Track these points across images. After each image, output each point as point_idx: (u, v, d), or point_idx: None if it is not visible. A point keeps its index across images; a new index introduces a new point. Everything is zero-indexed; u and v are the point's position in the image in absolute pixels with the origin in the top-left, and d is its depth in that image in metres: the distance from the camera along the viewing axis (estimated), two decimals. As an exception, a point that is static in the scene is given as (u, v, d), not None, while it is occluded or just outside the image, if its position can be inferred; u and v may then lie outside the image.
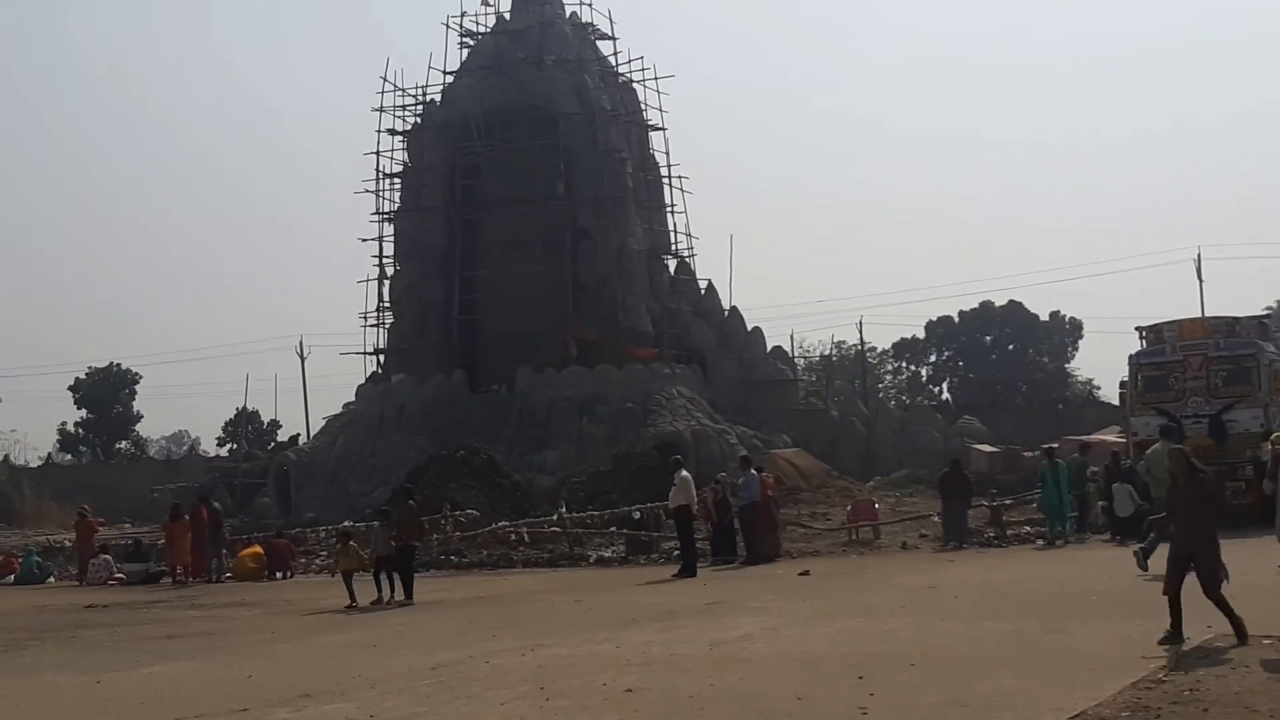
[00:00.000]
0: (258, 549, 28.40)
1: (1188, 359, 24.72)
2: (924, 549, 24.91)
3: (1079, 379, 79.79)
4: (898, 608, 15.03)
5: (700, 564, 23.09)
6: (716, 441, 42.46)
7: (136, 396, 77.67)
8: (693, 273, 52.66)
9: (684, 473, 23.50)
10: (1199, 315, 31.72)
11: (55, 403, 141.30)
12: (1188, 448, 13.77)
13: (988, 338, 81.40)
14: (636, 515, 27.69)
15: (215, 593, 24.81)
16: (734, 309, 51.88)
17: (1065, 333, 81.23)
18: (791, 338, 72.86)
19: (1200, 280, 63.73)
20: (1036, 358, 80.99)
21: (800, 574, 20.53)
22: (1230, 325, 25.61)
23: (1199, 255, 64.00)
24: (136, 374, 77.25)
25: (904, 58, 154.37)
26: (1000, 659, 11.04)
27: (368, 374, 50.58)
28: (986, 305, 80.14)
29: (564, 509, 28.76)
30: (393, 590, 20.09)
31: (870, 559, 23.73)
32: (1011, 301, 79.30)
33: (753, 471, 24.84)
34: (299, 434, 62.08)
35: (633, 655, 12.29)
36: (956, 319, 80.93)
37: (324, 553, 29.15)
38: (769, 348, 52.02)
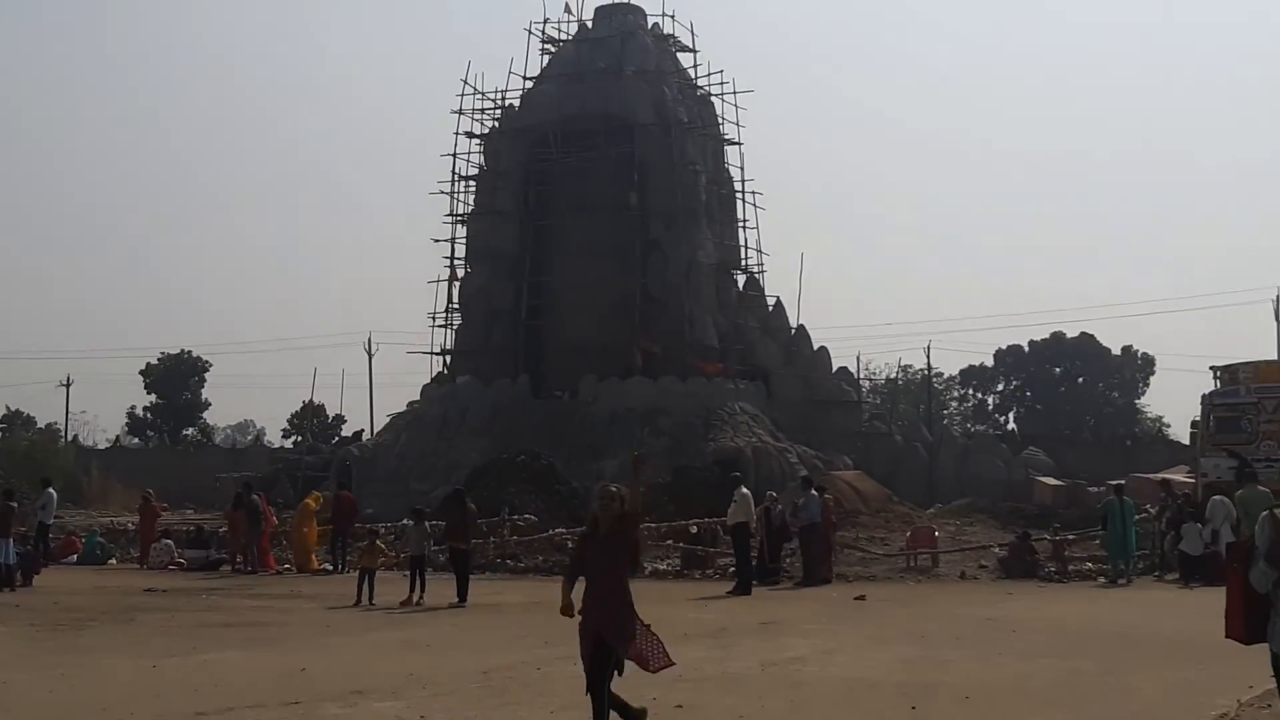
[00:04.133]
0: (317, 495, 28.91)
1: (1262, 401, 24.39)
2: (983, 579, 24.64)
3: (1148, 416, 78.73)
4: (954, 638, 14.87)
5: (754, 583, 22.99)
6: (777, 460, 42.23)
7: (205, 384, 78.57)
8: (761, 289, 52.45)
9: (744, 490, 23.42)
10: (1276, 358, 31.18)
11: (126, 386, 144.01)
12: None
13: (1057, 369, 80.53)
14: (693, 530, 27.61)
15: (273, 583, 25.01)
16: (801, 327, 51.62)
17: (1137, 368, 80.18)
18: (858, 359, 72.32)
19: (1278, 321, 62.53)
20: (1106, 392, 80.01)
21: (856, 598, 20.40)
22: (1308, 370, 25.20)
23: (1278, 295, 62.83)
24: (207, 362, 78.09)
25: (983, 78, 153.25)
26: (1055, 698, 10.90)
27: (433, 374, 50.89)
28: (1058, 336, 79.28)
29: (621, 519, 28.69)
30: (422, 591, 20.20)
31: (927, 587, 23.50)
32: (1083, 333, 78.46)
33: (813, 492, 24.69)
34: (363, 430, 62.57)
35: (684, 671, 12.22)
36: (1026, 349, 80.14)
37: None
38: (834, 368, 51.68)
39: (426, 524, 22.48)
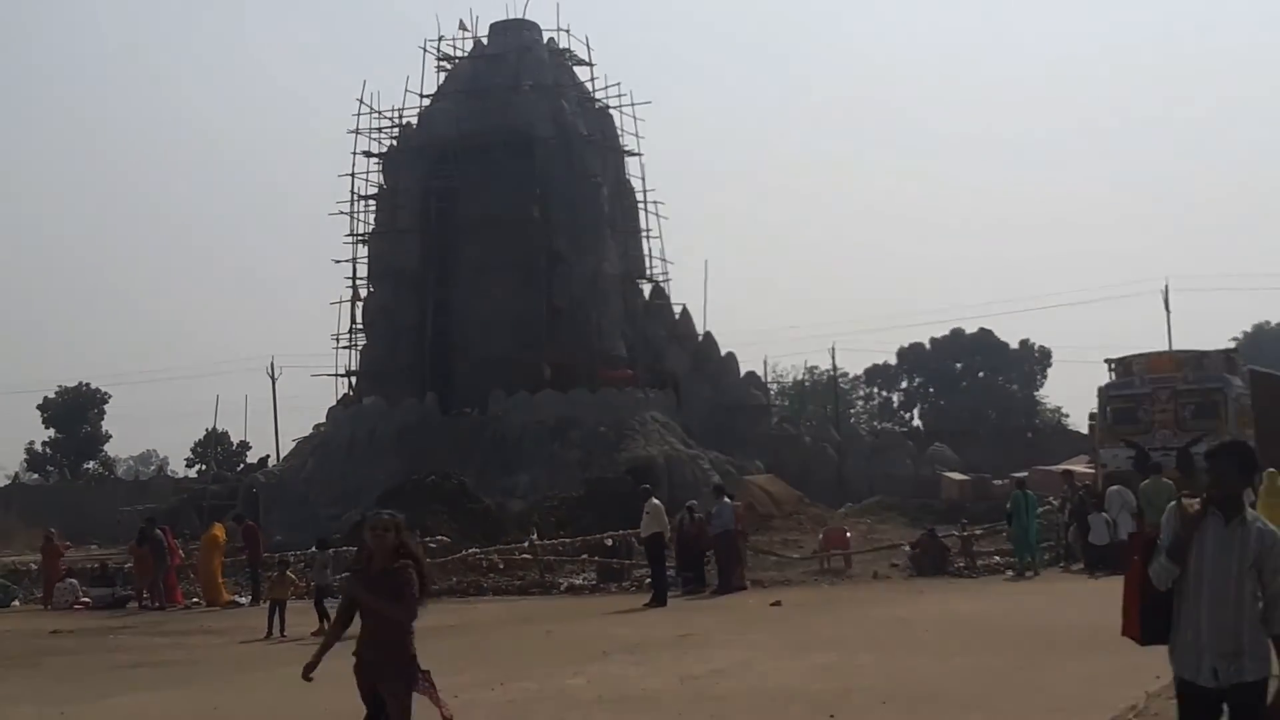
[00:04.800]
0: (222, 526, 28.50)
1: (1156, 392, 24.94)
2: (895, 578, 24.94)
3: (1048, 407, 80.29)
4: (869, 641, 15.03)
5: (671, 593, 23.07)
6: (689, 466, 42.43)
7: (105, 416, 77.30)
8: (667, 298, 52.72)
9: (655, 501, 23.45)
10: (1167, 348, 31.98)
11: (23, 422, 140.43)
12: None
13: (958, 365, 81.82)
14: (609, 543, 27.60)
15: (181, 619, 24.53)
16: (708, 334, 51.96)
17: (1034, 361, 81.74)
18: (765, 363, 72.78)
19: (1168, 312, 64.12)
20: (1006, 385, 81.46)
21: (772, 604, 20.51)
22: (1198, 359, 25.86)
23: (1167, 287, 64.45)
24: (106, 394, 76.90)
25: (869, 89, 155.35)
26: (970, 697, 11.06)
27: (339, 396, 50.38)
28: (957, 333, 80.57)
29: (535, 535, 28.66)
30: (324, 622, 19.87)
31: (842, 589, 23.72)
32: (981, 329, 79.79)
33: (725, 499, 24.81)
34: (269, 456, 61.71)
35: (604, 690, 12.23)
36: (928, 346, 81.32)
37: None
38: (743, 373, 52.10)
39: (331, 551, 22.23)
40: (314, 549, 22.43)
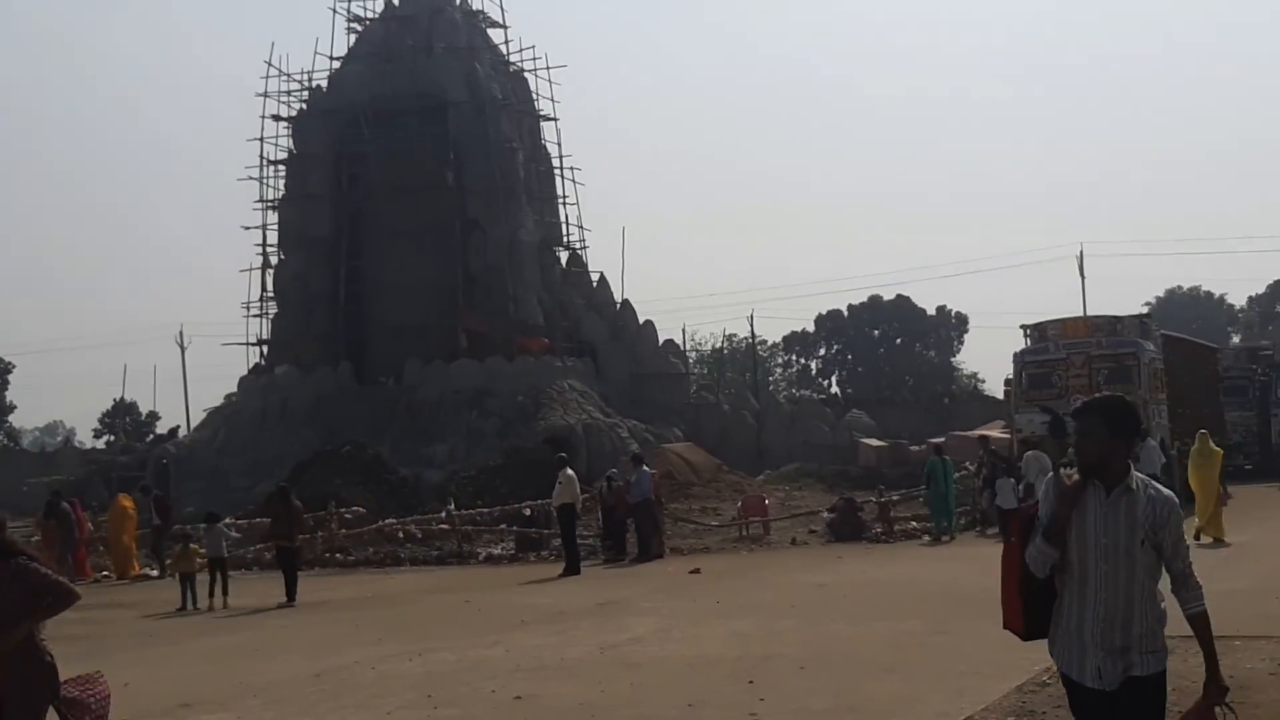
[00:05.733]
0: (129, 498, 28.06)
1: (1071, 357, 25.20)
2: (813, 544, 25.05)
3: (964, 373, 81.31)
4: (788, 608, 15.04)
5: (592, 561, 22.96)
6: (608, 435, 42.35)
7: (9, 386, 75.53)
8: (585, 265, 52.47)
9: (569, 471, 23.25)
10: (1082, 313, 32.40)
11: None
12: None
13: (876, 331, 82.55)
14: (527, 512, 27.41)
15: (91, 592, 23.94)
16: (626, 302, 51.80)
17: (951, 327, 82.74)
18: (683, 331, 72.86)
19: (1083, 278, 65.21)
20: (923, 352, 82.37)
21: (691, 572, 20.50)
22: (1112, 324, 26.17)
23: (1081, 253, 65.50)
24: (10, 363, 75.21)
25: (790, 52, 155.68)
26: (889, 662, 11.08)
27: (250, 366, 49.56)
28: (875, 299, 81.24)
29: (452, 505, 28.40)
30: (225, 594, 19.73)
31: (761, 556, 23.78)
32: (899, 296, 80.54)
33: (644, 469, 24.76)
34: (179, 426, 60.66)
35: (522, 660, 12.10)
36: (845, 313, 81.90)
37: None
38: (660, 341, 52.05)
39: (221, 525, 21.90)
40: (203, 524, 22.08)
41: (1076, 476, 5.06)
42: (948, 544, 23.56)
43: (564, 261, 51.85)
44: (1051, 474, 5.21)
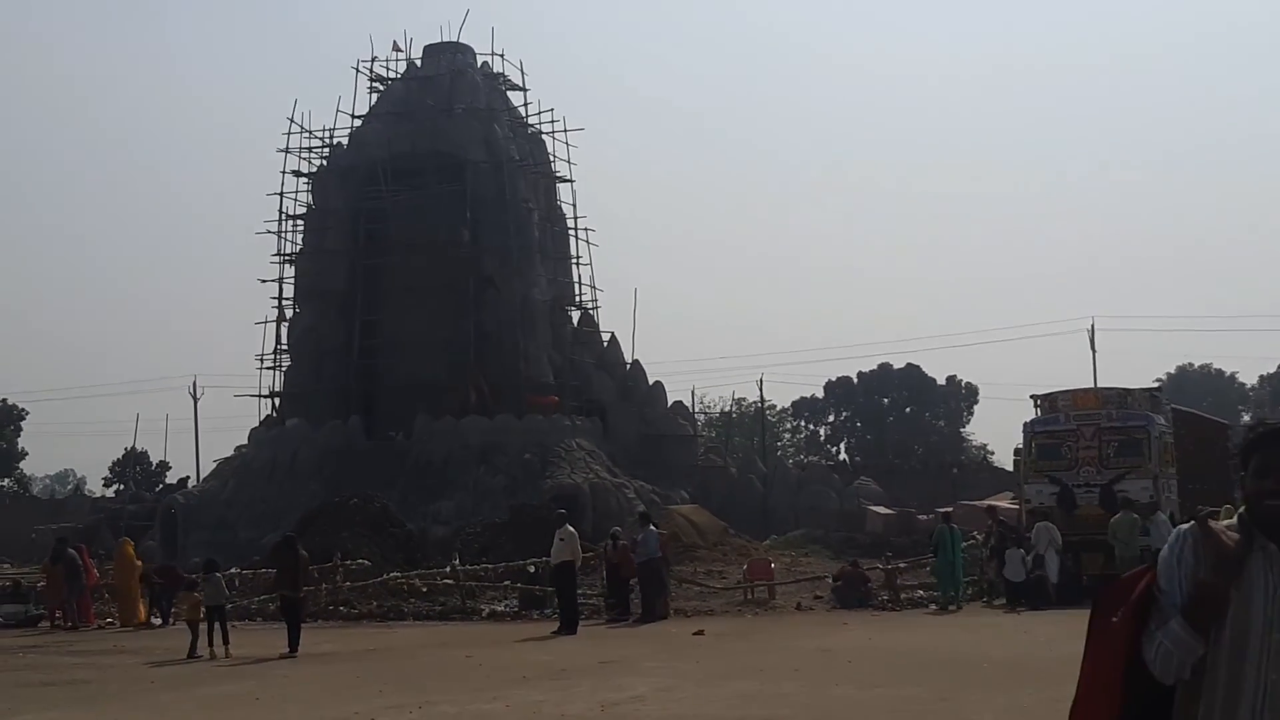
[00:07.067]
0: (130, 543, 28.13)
1: (1081, 429, 25.13)
2: (818, 610, 24.93)
3: (973, 443, 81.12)
4: (791, 670, 14.97)
5: (595, 621, 22.84)
6: (614, 495, 42.26)
7: (22, 433, 75.60)
8: (596, 325, 52.63)
9: (569, 528, 23.19)
10: (1092, 385, 32.36)
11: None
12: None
13: (885, 399, 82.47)
14: (531, 569, 27.34)
15: (95, 639, 23.97)
16: (636, 362, 51.88)
17: (961, 397, 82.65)
18: (693, 393, 72.74)
19: (1094, 350, 65.21)
20: (932, 421, 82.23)
21: (695, 633, 20.42)
22: (1122, 396, 26.13)
23: (1093, 326, 65.54)
24: (23, 409, 75.30)
25: (802, 121, 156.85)
26: (892, 726, 11.03)
27: (262, 418, 49.65)
28: (885, 367, 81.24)
29: (457, 560, 28.34)
30: (211, 644, 19.64)
31: (765, 619, 23.67)
32: (909, 364, 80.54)
33: (651, 528, 24.71)
34: (189, 476, 60.68)
35: (522, 715, 12.06)
36: (855, 380, 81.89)
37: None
38: (670, 402, 52.03)
39: (220, 574, 21.85)
40: (200, 573, 22.04)
41: (1237, 534, 3.35)
42: (954, 613, 23.44)
43: (575, 321, 52.02)
44: (1193, 524, 3.41)
